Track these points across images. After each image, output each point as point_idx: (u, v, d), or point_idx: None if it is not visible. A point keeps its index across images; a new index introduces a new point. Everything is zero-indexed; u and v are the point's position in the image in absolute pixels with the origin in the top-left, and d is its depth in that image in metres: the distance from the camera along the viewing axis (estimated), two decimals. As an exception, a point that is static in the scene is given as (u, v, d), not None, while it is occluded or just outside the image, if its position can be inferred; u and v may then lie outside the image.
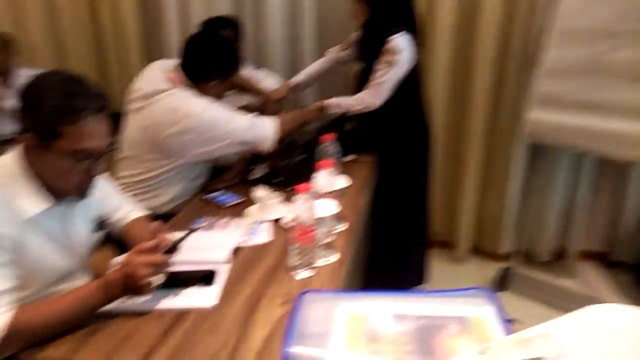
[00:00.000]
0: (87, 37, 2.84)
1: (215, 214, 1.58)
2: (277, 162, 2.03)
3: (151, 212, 1.70)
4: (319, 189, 1.30)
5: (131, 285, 1.01)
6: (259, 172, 1.95)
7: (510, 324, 0.87)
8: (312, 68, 2.26)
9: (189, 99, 1.60)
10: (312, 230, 1.15)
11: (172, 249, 1.10)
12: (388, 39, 1.84)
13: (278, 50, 2.61)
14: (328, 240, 1.27)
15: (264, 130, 1.71)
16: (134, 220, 1.36)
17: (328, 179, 1.31)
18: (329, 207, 1.24)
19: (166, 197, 1.71)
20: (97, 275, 1.04)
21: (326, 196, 1.31)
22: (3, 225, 0.97)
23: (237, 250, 1.32)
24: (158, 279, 1.05)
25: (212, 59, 1.66)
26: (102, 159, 1.09)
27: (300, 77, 2.26)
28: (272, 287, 1.15)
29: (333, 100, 1.99)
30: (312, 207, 1.14)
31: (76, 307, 0.99)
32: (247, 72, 2.29)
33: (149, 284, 1.02)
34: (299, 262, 1.18)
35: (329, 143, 1.55)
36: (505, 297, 2.38)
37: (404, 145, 2.08)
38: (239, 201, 1.65)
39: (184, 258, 1.22)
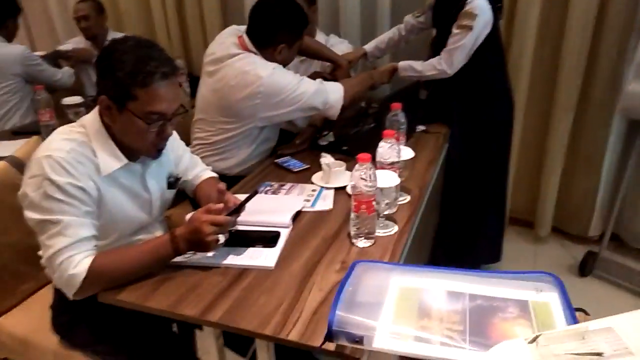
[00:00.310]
0: (171, 5, 2.94)
1: (283, 179, 1.61)
2: (347, 130, 2.02)
3: (222, 173, 1.79)
4: (382, 159, 1.28)
5: (197, 241, 1.07)
6: (328, 138, 1.96)
7: (576, 313, 0.80)
8: (386, 35, 2.18)
9: (258, 63, 1.62)
10: (371, 201, 1.13)
11: (237, 210, 1.15)
12: (466, 1, 1.73)
13: (352, 17, 2.54)
14: (389, 211, 1.25)
15: (331, 94, 1.69)
16: (204, 180, 1.43)
17: (391, 149, 1.27)
18: (391, 178, 1.21)
19: (236, 159, 1.77)
20: (172, 228, 1.10)
21: (389, 167, 1.28)
22: (86, 179, 1.07)
23: (299, 215, 1.35)
24: (223, 237, 1.10)
25: (276, 23, 1.65)
26: (174, 121, 1.15)
27: (372, 44, 2.19)
28: (331, 253, 1.17)
29: (404, 63, 1.93)
30: (373, 177, 1.12)
31: (147, 256, 1.08)
32: (318, 38, 2.27)
33: (215, 241, 1.08)
34: (358, 231, 1.18)
35: (397, 112, 1.50)
36: (588, 283, 2.23)
37: (483, 115, 1.97)
38: (306, 167, 1.67)
39: (249, 219, 1.28)
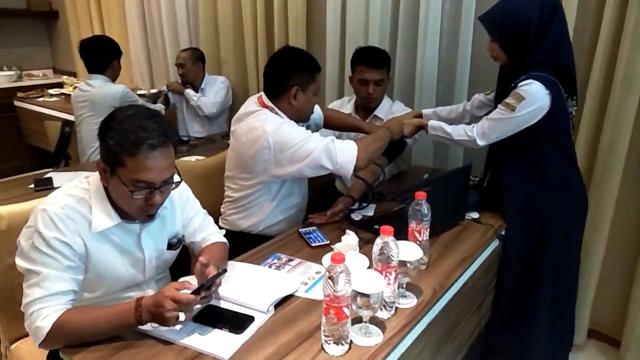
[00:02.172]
0: (264, 56, 3.11)
1: (298, 251, 1.55)
2: (392, 205, 1.90)
3: (247, 231, 1.79)
4: (376, 258, 1.16)
5: (157, 315, 1.05)
6: (367, 212, 1.86)
7: None
8: (450, 106, 2.04)
9: (267, 119, 1.63)
10: (342, 307, 1.02)
11: (205, 287, 1.11)
12: (517, 83, 1.55)
13: (429, 89, 2.44)
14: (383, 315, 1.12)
15: (340, 153, 1.61)
16: (210, 244, 1.42)
17: (389, 247, 1.15)
18: (375, 283, 1.08)
19: (258, 217, 1.77)
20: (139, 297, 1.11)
21: (386, 269, 1.16)
22: (74, 235, 1.12)
23: (288, 298, 1.27)
24: (183, 316, 1.07)
25: (284, 67, 1.68)
26: (166, 190, 1.17)
27: (432, 109, 2.06)
28: (294, 355, 1.07)
29: (434, 122, 1.81)
30: (343, 280, 1.01)
31: (110, 321, 1.08)
32: (383, 104, 2.21)
33: (174, 318, 1.05)
34: (326, 336, 1.07)
35: (421, 202, 1.37)
36: None
37: (536, 210, 1.72)
38: (326, 243, 1.59)
39: (228, 295, 1.24)
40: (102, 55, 2.64)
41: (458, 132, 1.73)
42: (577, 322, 2.10)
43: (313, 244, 1.59)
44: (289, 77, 1.67)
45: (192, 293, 1.07)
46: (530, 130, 1.61)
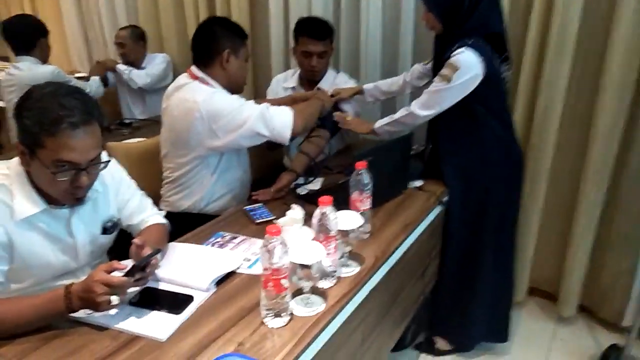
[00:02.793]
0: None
1: (242, 229, 1.53)
2: (338, 177, 1.91)
3: (189, 211, 1.75)
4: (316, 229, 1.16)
5: (88, 300, 1.02)
6: (313, 186, 1.85)
7: None
8: (391, 79, 2.05)
9: (197, 90, 1.60)
10: (279, 279, 1.02)
11: (138, 269, 1.08)
12: (451, 53, 1.57)
13: (373, 60, 2.42)
14: (323, 285, 1.13)
15: (277, 119, 1.61)
16: (149, 226, 1.38)
17: (327, 217, 1.15)
18: (313, 253, 1.08)
19: (199, 194, 1.73)
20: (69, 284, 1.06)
21: (326, 239, 1.16)
22: None
23: (230, 275, 1.26)
24: (117, 299, 1.03)
25: (212, 32, 1.65)
26: (93, 170, 1.12)
27: (372, 84, 2.06)
28: (234, 330, 1.06)
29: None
30: (281, 252, 1.00)
31: (37, 311, 1.03)
32: (328, 74, 2.20)
33: (106, 302, 1.02)
34: (266, 309, 1.06)
35: (362, 171, 1.37)
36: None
37: (477, 173, 1.76)
38: (270, 219, 1.58)
39: (165, 276, 1.21)
40: (27, 35, 2.48)
41: (399, 112, 1.74)
42: (517, 280, 2.19)
43: (258, 221, 1.57)
44: (219, 41, 1.63)
45: (125, 275, 1.04)
46: (465, 100, 1.63)
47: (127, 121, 2.86)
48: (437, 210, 1.75)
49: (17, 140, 1.08)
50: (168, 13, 3.12)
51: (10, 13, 4.19)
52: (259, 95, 2.78)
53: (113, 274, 1.04)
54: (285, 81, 2.30)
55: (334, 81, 2.19)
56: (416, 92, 1.88)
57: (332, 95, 2.05)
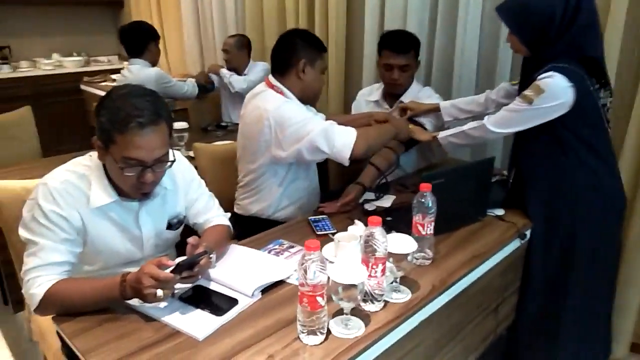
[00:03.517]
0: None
1: (302, 239, 1.51)
2: (410, 197, 1.82)
3: (257, 216, 1.79)
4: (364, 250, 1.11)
5: (137, 290, 1.07)
6: (382, 203, 1.79)
7: None
8: (468, 98, 1.91)
9: (269, 98, 1.63)
10: (315, 296, 0.99)
11: (187, 267, 1.12)
12: (539, 75, 1.42)
13: (467, 77, 2.30)
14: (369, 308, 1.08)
15: (339, 138, 1.57)
16: (211, 226, 1.43)
17: (377, 238, 1.09)
18: (357, 274, 1.03)
19: (267, 201, 1.77)
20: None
21: (372, 260, 1.10)
22: (71, 209, 1.17)
23: (279, 284, 1.26)
24: (161, 292, 1.07)
25: (290, 43, 1.68)
26: (159, 169, 1.19)
27: (450, 101, 1.94)
28: (269, 341, 1.05)
29: (443, 133, 1.74)
30: (319, 269, 0.97)
31: (97, 293, 1.12)
32: (413, 87, 2.13)
33: (152, 295, 1.06)
34: (303, 324, 1.04)
35: (426, 194, 1.30)
36: None
37: (563, 213, 1.57)
38: (332, 232, 1.55)
39: (218, 277, 1.24)
40: (137, 39, 2.75)
41: (469, 124, 1.64)
42: (618, 333, 1.93)
43: (319, 232, 1.56)
44: (296, 51, 1.66)
45: (172, 271, 1.08)
46: (552, 125, 1.48)
47: (223, 124, 3.03)
48: (515, 243, 1.59)
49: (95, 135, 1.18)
50: (271, 24, 3.27)
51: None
52: (347, 107, 2.78)
53: (168, 270, 1.09)
54: (369, 95, 2.27)
55: (417, 95, 2.11)
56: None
57: (404, 110, 1.98)
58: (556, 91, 1.41)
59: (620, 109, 1.86)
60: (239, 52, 3.15)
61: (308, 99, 1.72)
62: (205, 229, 1.43)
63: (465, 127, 1.66)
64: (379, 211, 1.72)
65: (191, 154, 2.14)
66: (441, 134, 1.75)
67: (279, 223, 1.70)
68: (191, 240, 1.20)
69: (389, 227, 1.54)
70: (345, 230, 1.48)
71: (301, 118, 1.59)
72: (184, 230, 1.45)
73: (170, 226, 1.37)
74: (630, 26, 1.77)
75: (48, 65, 4.74)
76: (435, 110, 1.97)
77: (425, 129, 1.97)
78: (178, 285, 1.15)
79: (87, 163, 1.24)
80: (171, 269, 1.09)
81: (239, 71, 3.22)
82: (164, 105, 1.17)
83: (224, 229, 1.44)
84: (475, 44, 2.24)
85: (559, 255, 1.62)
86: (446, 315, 1.33)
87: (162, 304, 1.14)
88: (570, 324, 1.66)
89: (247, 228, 1.75)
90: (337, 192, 1.82)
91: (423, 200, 1.30)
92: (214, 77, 3.30)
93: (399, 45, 1.99)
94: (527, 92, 1.46)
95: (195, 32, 4.11)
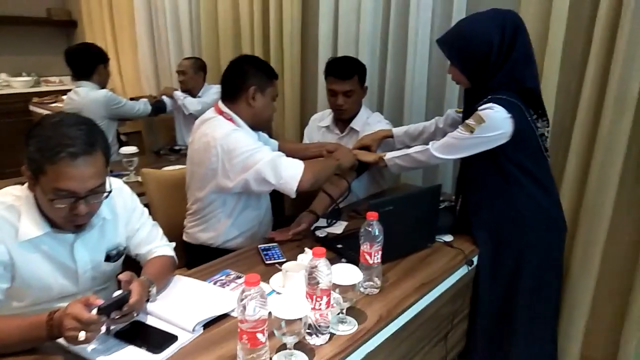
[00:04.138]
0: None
1: (251, 268, 1.49)
2: (362, 223, 1.82)
3: (207, 244, 1.75)
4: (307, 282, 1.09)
5: (61, 332, 1.00)
6: (334, 230, 1.78)
7: None
8: (422, 124, 1.96)
9: (218, 125, 1.61)
10: (255, 333, 0.95)
11: (110, 308, 1.05)
12: (479, 106, 1.47)
13: (417, 103, 2.36)
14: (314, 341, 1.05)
15: (285, 170, 1.56)
16: (154, 257, 1.38)
17: (320, 270, 1.07)
18: (298, 307, 1.01)
19: (216, 230, 1.72)
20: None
21: (316, 292, 1.08)
22: None
23: (223, 317, 1.21)
24: (83, 335, 1.00)
25: (240, 69, 1.66)
26: (93, 200, 1.13)
27: (403, 128, 1.98)
28: (208, 380, 1.01)
29: (390, 155, 1.76)
30: (257, 305, 0.94)
31: (23, 333, 1.04)
32: (362, 113, 2.16)
33: (74, 337, 0.98)
34: (242, 362, 1.00)
35: (372, 223, 1.29)
36: None
37: (514, 236, 1.61)
38: (281, 260, 1.52)
39: (157, 311, 1.19)
40: (86, 62, 2.68)
41: (415, 148, 1.67)
42: (566, 355, 1.97)
43: (268, 262, 1.53)
44: (246, 77, 1.65)
45: (99, 312, 1.02)
46: (493, 154, 1.53)
47: (177, 147, 2.97)
48: (463, 269, 1.60)
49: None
50: (227, 48, 3.26)
51: (96, 42, 4.59)
52: (303, 132, 2.78)
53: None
54: (321, 120, 2.29)
55: (367, 121, 2.15)
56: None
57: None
58: (496, 122, 1.46)
59: (560, 139, 1.95)
60: (195, 74, 3.12)
61: (259, 125, 1.70)
62: (147, 261, 1.37)
63: (410, 150, 1.70)
64: (330, 238, 1.71)
65: (140, 179, 2.08)
66: (388, 155, 1.77)
67: (229, 251, 1.66)
68: (123, 276, 1.14)
69: (339, 255, 1.58)
70: (296, 258, 1.46)
71: (249, 148, 1.57)
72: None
73: (109, 258, 1.31)
74: (567, 57, 1.86)
75: (-6, 86, 4.55)
76: (388, 137, 1.99)
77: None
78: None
79: (17, 193, 1.17)
80: (97, 309, 1.02)
81: (193, 93, 3.18)
82: (100, 134, 1.13)
83: (167, 260, 1.39)
84: (425, 71, 2.31)
85: (506, 281, 1.65)
86: (394, 345, 1.32)
87: (90, 347, 1.06)
88: (519, 348, 1.69)
89: (197, 256, 1.71)
90: (292, 217, 1.80)
91: (370, 229, 1.29)
92: (167, 100, 3.24)
93: (341, 72, 2.03)
94: (469, 122, 1.50)
95: (150, 53, 4.05)
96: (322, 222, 1.81)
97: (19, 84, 4.66)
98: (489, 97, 1.49)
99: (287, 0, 2.78)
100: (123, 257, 1.37)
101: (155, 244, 1.41)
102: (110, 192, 1.16)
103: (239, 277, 1.43)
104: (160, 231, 1.45)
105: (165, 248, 1.42)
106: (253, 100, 1.65)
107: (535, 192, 1.57)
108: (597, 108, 1.81)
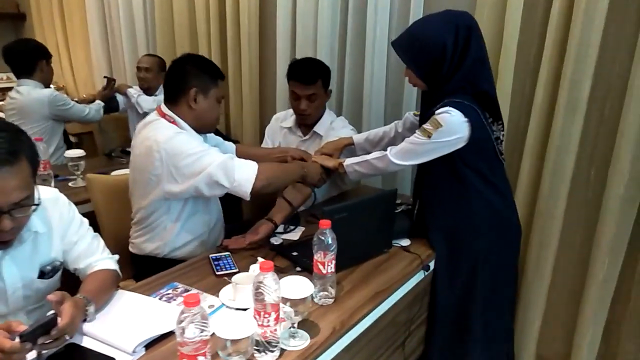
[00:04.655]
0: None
1: (202, 279, 1.42)
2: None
3: (153, 255, 1.67)
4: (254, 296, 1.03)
5: None
6: (290, 236, 1.73)
7: None
8: (381, 129, 1.93)
9: (160, 129, 1.52)
10: (196, 356, 0.89)
11: (36, 334, 0.97)
12: (436, 109, 1.45)
13: (376, 105, 2.33)
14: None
15: (239, 171, 1.49)
16: (93, 272, 1.28)
17: (267, 283, 1.02)
18: (243, 326, 0.96)
19: (162, 239, 1.64)
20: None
21: (263, 308, 1.03)
22: None
23: (168, 336, 1.14)
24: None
25: (182, 69, 1.58)
26: (17, 213, 1.04)
27: (363, 135, 1.95)
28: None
29: (349, 161, 1.71)
30: (204, 323, 0.88)
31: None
32: (325, 117, 2.11)
33: None
34: (183, 387, 0.94)
35: (325, 232, 1.25)
36: None
37: (463, 242, 1.61)
38: (233, 271, 1.46)
39: (95, 332, 1.11)
40: (26, 58, 2.52)
41: (374, 154, 1.64)
42: (523, 353, 2.00)
43: (218, 272, 1.46)
44: (187, 78, 1.56)
45: (23, 339, 0.93)
46: (449, 159, 1.51)
47: (129, 149, 2.84)
48: (420, 275, 1.59)
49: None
50: (183, 45, 3.15)
51: (45, 36, 4.38)
52: (262, 131, 2.72)
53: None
54: (284, 120, 2.23)
55: (331, 125, 2.10)
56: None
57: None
58: (453, 126, 1.44)
59: (515, 141, 1.96)
60: (158, 73, 2.98)
61: (203, 128, 1.62)
62: (86, 276, 1.28)
63: (369, 157, 1.66)
64: (285, 245, 1.66)
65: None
66: (347, 162, 1.73)
67: (178, 261, 1.58)
68: (52, 296, 1.04)
69: (294, 263, 1.53)
70: (248, 268, 1.40)
71: (196, 150, 1.49)
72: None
73: (43, 274, 1.21)
74: (521, 60, 1.87)
75: None
76: (349, 145, 1.95)
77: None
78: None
79: None
80: (19, 337, 0.93)
81: (150, 92, 3.05)
82: (25, 141, 1.03)
83: (109, 274, 1.30)
84: (383, 73, 2.28)
85: (463, 284, 1.65)
86: (349, 357, 1.29)
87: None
88: (477, 351, 1.69)
89: (144, 268, 1.62)
90: (250, 222, 1.74)
91: (323, 237, 1.25)
92: (120, 98, 3.11)
93: (304, 76, 1.96)
94: (426, 126, 1.48)
95: (103, 49, 3.88)
96: (279, 227, 1.75)
97: (-40, 81, 4.39)
98: (446, 100, 1.47)
99: (243, 4, 2.72)
100: (60, 273, 1.28)
101: (95, 257, 1.32)
102: (38, 204, 1.07)
103: (187, 291, 1.36)
104: (102, 243, 1.36)
105: (106, 261, 1.33)
106: (194, 102, 1.57)
107: (490, 196, 1.56)
108: (550, 109, 1.83)
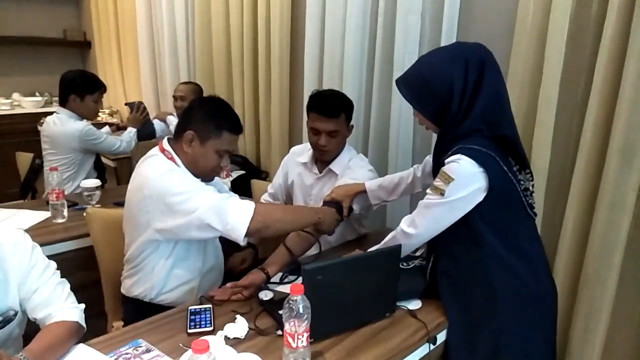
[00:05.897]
0: (250, 96, 2.96)
1: (166, 339, 1.27)
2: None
3: (139, 299, 1.57)
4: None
5: None
6: (286, 288, 1.55)
7: None
8: (398, 174, 1.72)
9: (153, 164, 1.44)
10: None
11: None
12: (446, 157, 1.23)
13: (404, 142, 2.14)
14: None
15: (233, 214, 1.36)
16: (49, 325, 1.18)
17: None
18: None
19: (150, 282, 1.53)
20: None
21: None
22: None
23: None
24: None
25: (190, 109, 1.52)
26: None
27: (377, 181, 1.74)
28: None
29: None
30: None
31: None
32: (344, 154, 1.93)
33: None
34: None
35: (296, 299, 1.07)
36: None
37: (489, 313, 1.33)
38: (206, 330, 1.31)
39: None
40: (60, 89, 2.57)
41: (387, 237, 1.44)
42: None
43: (190, 330, 1.31)
44: (189, 120, 1.48)
45: None
46: (464, 215, 1.27)
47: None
48: (425, 348, 1.34)
49: None
50: (220, 75, 3.15)
51: (104, 64, 4.61)
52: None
53: None
54: (300, 154, 2.07)
55: (348, 164, 1.91)
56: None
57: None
58: (465, 178, 1.22)
59: (557, 194, 1.67)
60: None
61: (198, 174, 1.50)
62: (43, 327, 1.18)
63: (385, 240, 1.45)
64: (276, 300, 1.48)
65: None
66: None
67: (166, 308, 1.46)
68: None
69: (278, 324, 1.34)
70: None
71: (187, 189, 1.39)
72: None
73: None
74: (564, 95, 1.60)
75: (5, 105, 4.59)
76: (361, 191, 1.76)
77: (351, 208, 1.76)
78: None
79: None
80: None
81: None
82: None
83: (65, 328, 1.18)
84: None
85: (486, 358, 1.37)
86: None
87: None
88: None
89: (132, 311, 1.54)
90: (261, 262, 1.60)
91: (293, 306, 1.07)
92: (158, 125, 3.12)
93: (327, 109, 1.78)
94: (436, 183, 1.27)
95: (151, 76, 4.00)
96: (274, 277, 1.59)
97: (29, 104, 4.70)
98: (458, 146, 1.25)
99: (274, 28, 2.65)
100: (17, 322, 1.20)
101: (56, 307, 1.21)
102: None
103: (149, 351, 1.22)
104: (66, 291, 1.26)
105: (68, 312, 1.23)
106: (189, 145, 1.47)
107: (513, 262, 1.29)
108: (600, 155, 1.53)
